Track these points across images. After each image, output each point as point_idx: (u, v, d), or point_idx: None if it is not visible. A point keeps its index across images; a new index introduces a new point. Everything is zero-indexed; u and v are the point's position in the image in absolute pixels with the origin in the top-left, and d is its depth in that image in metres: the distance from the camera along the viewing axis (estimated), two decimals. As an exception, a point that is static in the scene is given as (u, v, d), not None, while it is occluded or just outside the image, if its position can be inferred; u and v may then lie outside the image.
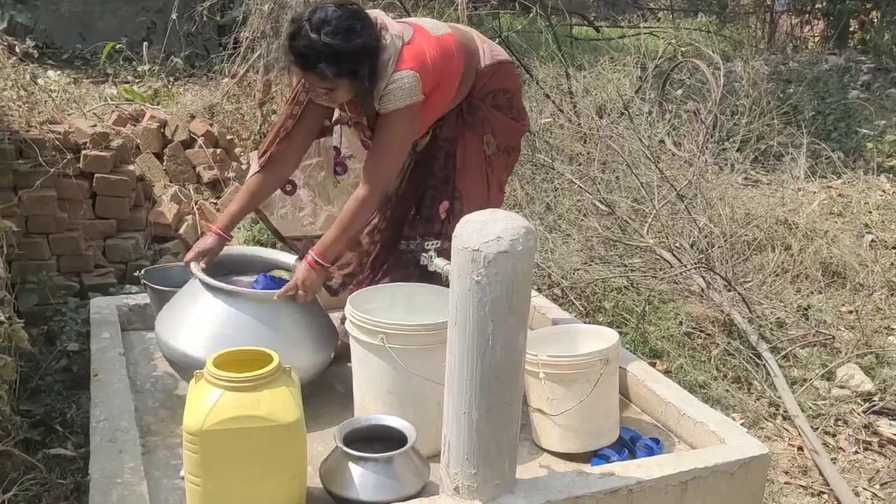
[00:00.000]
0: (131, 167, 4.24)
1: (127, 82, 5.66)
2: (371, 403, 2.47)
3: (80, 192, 3.95)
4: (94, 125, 4.19)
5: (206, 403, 1.96)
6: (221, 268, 2.79)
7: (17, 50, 4.92)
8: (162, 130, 4.70)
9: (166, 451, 2.44)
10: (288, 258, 2.90)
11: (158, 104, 5.20)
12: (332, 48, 2.34)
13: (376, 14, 2.53)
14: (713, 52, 6.48)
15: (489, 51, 2.68)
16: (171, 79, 5.93)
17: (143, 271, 3.15)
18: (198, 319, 2.56)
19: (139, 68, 5.88)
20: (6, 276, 2.41)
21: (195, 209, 4.53)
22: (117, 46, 6.04)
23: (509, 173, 2.88)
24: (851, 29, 10.69)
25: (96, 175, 4.01)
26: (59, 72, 5.57)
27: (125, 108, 4.79)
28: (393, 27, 2.49)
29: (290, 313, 2.59)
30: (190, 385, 2.06)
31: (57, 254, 3.89)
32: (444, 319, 2.09)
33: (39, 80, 4.81)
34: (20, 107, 4.10)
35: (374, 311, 2.49)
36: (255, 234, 4.25)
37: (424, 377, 2.32)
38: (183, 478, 2.26)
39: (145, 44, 6.17)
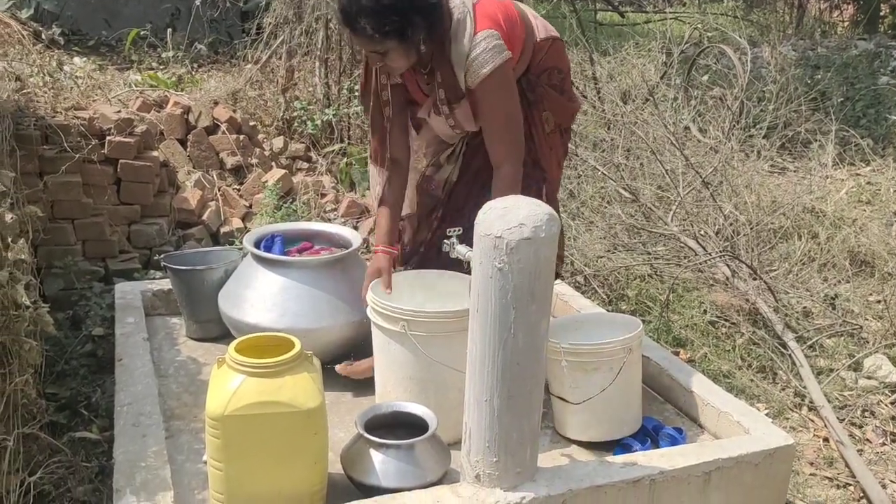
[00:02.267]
0: (155, 153, 4.26)
1: (151, 69, 5.68)
2: (392, 390, 2.47)
3: (105, 177, 3.98)
4: (119, 111, 4.21)
5: (228, 389, 1.97)
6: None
7: (44, 36, 4.96)
8: (185, 116, 4.72)
9: (189, 436, 2.46)
10: (348, 232, 3.04)
11: (182, 90, 5.23)
12: (374, 1, 2.18)
13: None
14: (740, 37, 6.39)
15: (543, 25, 2.57)
16: (195, 65, 5.95)
17: (163, 256, 3.18)
18: (258, 291, 2.78)
19: (163, 55, 5.90)
20: (32, 261, 2.43)
21: (218, 195, 4.54)
22: (142, 33, 6.07)
23: (566, 153, 2.78)
24: (882, 13, 10.50)
25: (121, 161, 4.03)
26: (84, 58, 5.60)
27: (149, 95, 4.81)
28: None
29: (335, 277, 2.70)
30: (212, 370, 2.07)
31: (82, 239, 3.92)
32: (466, 307, 2.09)
33: (65, 67, 4.83)
34: (46, 93, 4.13)
35: (395, 297, 2.49)
36: (277, 220, 4.26)
37: (445, 364, 2.32)
38: (206, 462, 2.28)
39: (169, 30, 6.19)
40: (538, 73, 2.53)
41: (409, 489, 2.06)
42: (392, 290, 2.49)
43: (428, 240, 2.76)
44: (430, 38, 2.28)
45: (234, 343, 2.08)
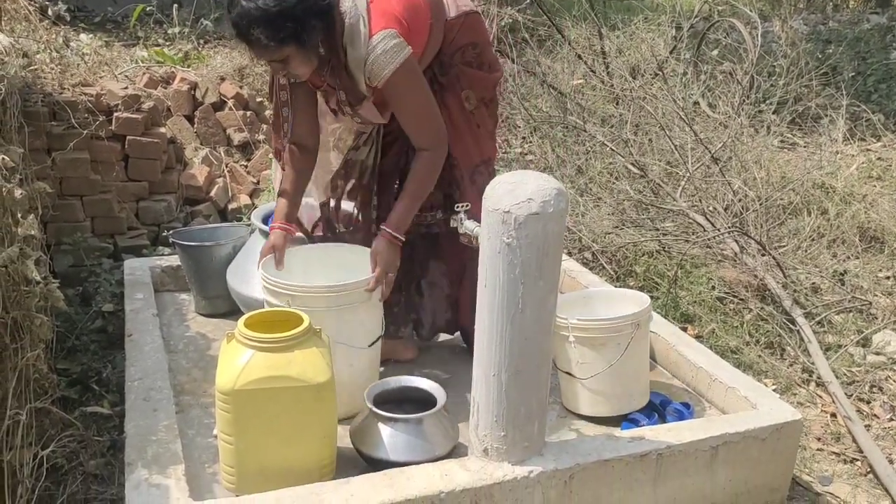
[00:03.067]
0: (162, 129, 4.26)
1: (157, 45, 5.66)
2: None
3: (113, 154, 3.98)
4: (126, 88, 4.20)
5: (237, 363, 1.98)
6: None
7: (50, 13, 4.93)
8: (192, 93, 4.71)
9: (199, 410, 2.48)
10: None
11: (189, 66, 5.21)
12: (261, 10, 2.10)
13: None
14: (750, 10, 6.32)
15: (453, 1, 2.50)
16: (202, 41, 5.91)
17: (171, 232, 3.19)
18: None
19: (169, 31, 5.87)
20: (42, 238, 2.44)
21: (226, 171, 4.54)
22: (147, 9, 6.04)
23: (496, 122, 2.72)
24: (895, -13, 10.34)
25: (128, 137, 4.03)
26: (90, 35, 5.57)
27: (156, 71, 4.80)
28: None
29: (342, 251, 2.67)
30: (221, 345, 2.09)
31: (91, 216, 3.93)
32: (357, 279, 2.28)
33: (72, 44, 4.82)
34: (53, 69, 4.13)
35: (288, 273, 2.48)
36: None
37: (333, 339, 2.28)
38: (216, 436, 2.29)
39: (175, 6, 6.15)
40: (451, 53, 2.50)
41: (418, 463, 2.07)
42: (284, 267, 2.51)
43: (353, 217, 2.74)
44: (328, 40, 2.25)
45: (242, 318, 2.09)
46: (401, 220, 2.41)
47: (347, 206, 2.74)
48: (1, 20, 3.78)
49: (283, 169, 2.67)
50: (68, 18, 5.28)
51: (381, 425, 2.17)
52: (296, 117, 2.55)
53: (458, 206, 2.26)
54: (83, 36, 5.36)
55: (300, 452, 2.05)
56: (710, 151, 4.48)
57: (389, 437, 2.14)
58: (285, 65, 2.24)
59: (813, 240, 4.13)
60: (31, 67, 3.92)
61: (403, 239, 2.41)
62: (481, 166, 2.61)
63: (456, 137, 2.51)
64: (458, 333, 2.91)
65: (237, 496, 2.00)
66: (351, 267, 2.50)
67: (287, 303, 2.29)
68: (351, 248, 2.62)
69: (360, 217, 2.72)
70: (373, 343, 2.44)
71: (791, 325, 3.43)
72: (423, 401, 2.28)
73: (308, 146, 2.61)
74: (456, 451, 2.21)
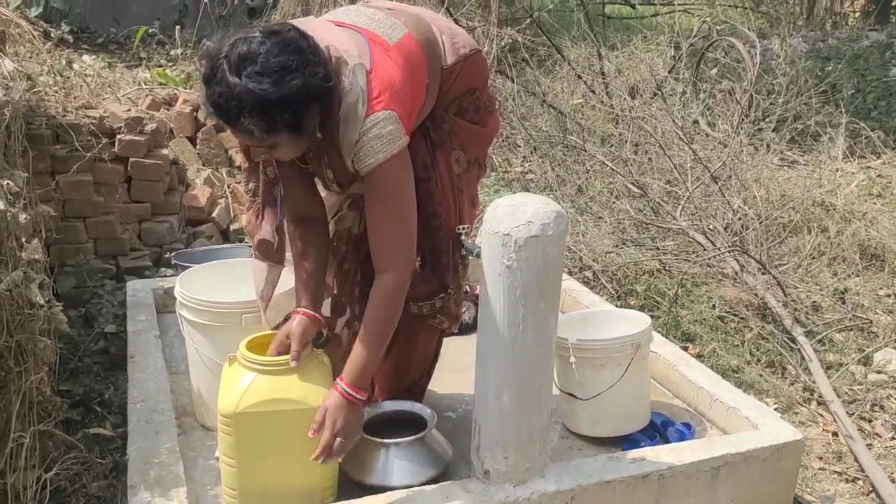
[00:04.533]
0: (165, 151, 4.28)
1: (160, 66, 5.71)
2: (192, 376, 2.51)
3: (116, 176, 4.00)
4: (129, 109, 4.23)
5: (239, 386, 1.99)
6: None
7: (53, 35, 4.98)
8: (195, 114, 4.74)
9: (201, 432, 2.48)
10: None
11: (191, 88, 5.24)
12: (257, 96, 1.71)
13: (323, 31, 1.91)
14: (749, 29, 6.36)
15: (450, 43, 2.11)
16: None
17: (174, 254, 3.20)
18: None
19: (172, 52, 5.93)
20: (45, 260, 2.45)
21: (228, 192, 4.57)
22: (150, 30, 6.09)
23: (479, 185, 2.40)
24: (894, 4, 10.42)
25: (131, 159, 4.06)
26: (93, 56, 5.63)
27: (158, 92, 4.83)
28: (348, 50, 1.87)
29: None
30: (224, 368, 2.09)
31: (94, 237, 3.95)
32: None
33: (75, 65, 4.86)
34: (56, 92, 4.16)
35: (207, 289, 2.43)
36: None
37: (207, 353, 2.33)
38: (218, 459, 2.30)
39: (178, 27, 6.21)
40: (447, 104, 2.15)
41: (411, 486, 2.07)
42: (300, 363, 2.02)
43: (351, 293, 2.34)
44: (325, 121, 1.88)
45: (244, 341, 2.10)
46: (358, 371, 1.94)
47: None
48: (5, 44, 3.82)
49: (262, 259, 2.22)
50: (71, 40, 5.33)
51: (371, 451, 2.16)
52: (290, 192, 2.11)
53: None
54: (86, 57, 5.42)
55: (302, 475, 2.05)
56: (709, 170, 4.50)
57: (387, 462, 2.14)
58: (271, 149, 1.88)
59: (813, 258, 4.14)
60: (35, 90, 3.95)
61: (361, 396, 1.95)
62: (456, 239, 2.24)
63: (445, 205, 2.18)
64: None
65: None
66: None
67: (180, 317, 2.36)
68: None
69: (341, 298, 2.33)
70: None
71: (792, 344, 3.43)
72: (413, 423, 2.28)
73: (315, 217, 2.18)
74: (449, 471, 2.22)
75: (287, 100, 1.73)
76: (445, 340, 2.55)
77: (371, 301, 1.95)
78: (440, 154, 2.15)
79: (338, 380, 1.96)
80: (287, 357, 2.00)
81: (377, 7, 2.10)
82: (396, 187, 1.92)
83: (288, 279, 2.22)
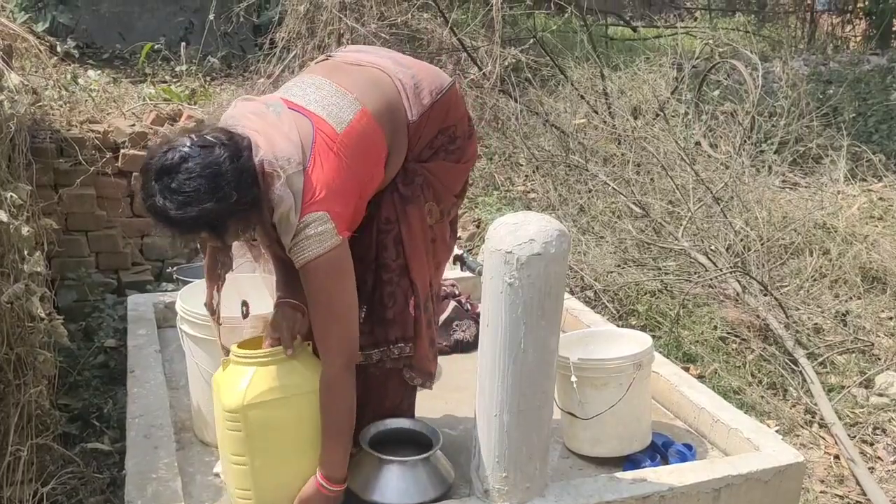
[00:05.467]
0: (168, 166, 4.29)
1: (165, 82, 5.74)
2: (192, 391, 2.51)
3: (119, 190, 4.02)
4: (133, 124, 4.25)
5: (241, 382, 1.99)
6: None
7: (59, 50, 5.01)
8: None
9: (200, 448, 2.47)
10: None
11: (195, 104, 5.27)
12: (162, 210, 1.82)
13: (270, 131, 1.91)
14: (751, 52, 6.39)
15: (415, 95, 2.09)
16: (208, 78, 6.00)
17: (175, 268, 3.20)
18: None
19: (177, 68, 5.96)
20: (46, 273, 2.45)
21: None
22: (155, 46, 6.13)
23: (455, 229, 2.38)
24: (895, 28, 10.48)
25: (134, 174, 4.06)
26: (98, 71, 5.66)
27: (163, 108, 4.85)
28: (290, 158, 1.87)
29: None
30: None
31: (95, 251, 3.96)
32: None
33: (80, 80, 4.89)
34: (61, 106, 4.18)
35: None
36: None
37: (207, 368, 2.33)
38: (217, 475, 2.29)
39: (183, 44, 6.25)
40: (419, 152, 2.13)
41: None
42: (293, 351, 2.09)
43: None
44: (254, 226, 1.96)
45: (235, 344, 2.11)
46: (329, 463, 2.01)
47: None
48: (11, 58, 3.84)
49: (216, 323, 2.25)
50: (77, 55, 5.37)
51: (377, 468, 2.15)
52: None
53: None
54: (91, 72, 5.44)
55: (314, 460, 2.03)
56: (711, 191, 4.50)
57: (386, 479, 2.13)
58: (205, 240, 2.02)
59: (815, 280, 4.14)
60: (40, 104, 3.97)
61: (336, 489, 2.03)
62: (430, 293, 2.25)
63: (414, 255, 2.16)
64: None
65: None
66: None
67: (181, 331, 2.37)
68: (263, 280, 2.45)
69: None
70: None
71: (793, 366, 3.42)
72: (416, 442, 2.27)
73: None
74: (452, 492, 2.20)
75: (187, 222, 1.82)
76: (446, 358, 2.55)
77: (320, 394, 2.01)
78: (412, 208, 2.14)
79: (317, 472, 2.02)
80: (281, 348, 2.03)
81: (340, 68, 2.11)
82: (326, 284, 1.94)
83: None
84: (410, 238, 2.14)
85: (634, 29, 9.65)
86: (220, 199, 1.81)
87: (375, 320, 2.17)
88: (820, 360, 3.51)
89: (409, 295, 2.16)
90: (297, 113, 1.96)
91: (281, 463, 2.02)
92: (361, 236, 2.12)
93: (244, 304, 2.28)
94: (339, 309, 1.96)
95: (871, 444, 3.05)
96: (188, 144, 1.83)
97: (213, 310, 2.21)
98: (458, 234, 2.39)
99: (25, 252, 2.23)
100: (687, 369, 3.27)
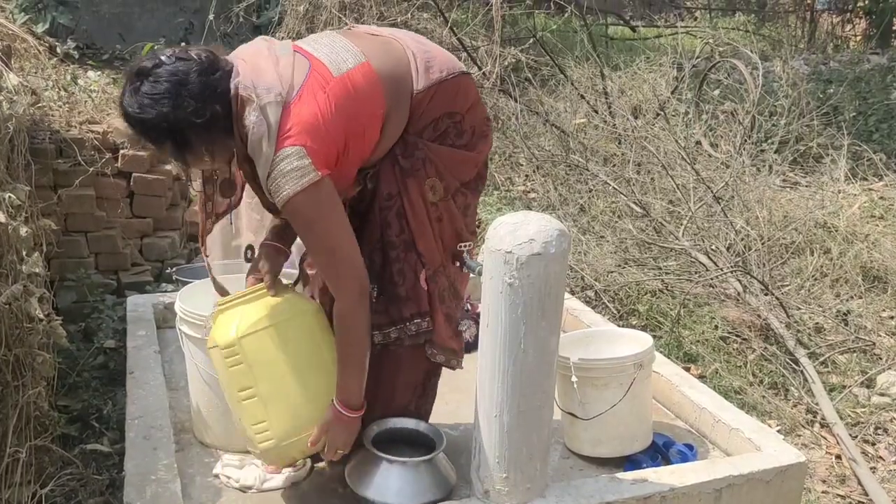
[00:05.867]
0: (168, 167, 4.29)
1: (165, 82, 5.72)
2: (192, 393, 2.51)
3: (118, 191, 4.01)
4: (132, 125, 4.24)
5: (231, 321, 2.07)
6: None
7: (59, 51, 5.01)
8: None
9: (200, 449, 2.46)
10: None
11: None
12: (126, 110, 1.91)
13: (260, 62, 1.94)
14: (751, 51, 6.39)
15: (425, 68, 2.07)
16: (208, 79, 5.98)
17: (175, 269, 3.19)
18: None
19: (177, 68, 5.94)
20: (45, 274, 2.45)
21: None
22: (155, 47, 6.12)
23: (473, 216, 2.30)
24: (895, 27, 10.48)
25: (134, 174, 4.06)
26: (98, 72, 5.65)
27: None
28: (270, 87, 1.89)
29: None
30: (207, 326, 2.18)
31: (95, 252, 3.94)
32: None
33: (80, 81, 4.88)
34: (61, 107, 4.17)
35: (207, 304, 2.38)
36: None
37: (207, 369, 2.33)
38: (216, 476, 2.28)
39: (183, 44, 6.24)
40: (420, 129, 2.09)
41: (419, 504, 2.06)
42: (274, 291, 2.16)
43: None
44: (226, 152, 1.99)
45: (216, 303, 2.17)
46: (345, 391, 2.05)
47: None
48: (11, 59, 3.84)
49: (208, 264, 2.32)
50: (77, 56, 5.37)
51: (380, 468, 2.15)
52: None
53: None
54: (91, 73, 5.43)
55: (321, 380, 2.06)
56: (712, 191, 4.50)
57: (389, 479, 2.12)
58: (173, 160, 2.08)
59: (816, 279, 4.13)
60: (39, 105, 3.97)
61: (354, 414, 2.06)
62: (441, 267, 2.20)
63: (419, 231, 2.14)
64: None
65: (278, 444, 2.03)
66: None
67: (180, 332, 2.40)
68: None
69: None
70: None
71: (795, 366, 3.41)
72: (418, 442, 2.26)
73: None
74: (454, 493, 2.20)
75: (145, 124, 1.88)
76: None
77: (333, 327, 2.05)
78: (412, 182, 2.10)
79: (334, 399, 2.05)
80: (262, 285, 2.11)
81: (357, 33, 2.13)
82: (312, 218, 1.93)
83: None
84: (413, 211, 2.12)
85: (634, 29, 9.65)
86: (178, 106, 1.85)
87: (389, 299, 2.16)
88: (821, 359, 3.50)
89: (418, 269, 2.15)
90: (300, 55, 1.99)
91: (285, 385, 2.05)
92: (365, 217, 2.14)
93: (249, 247, 2.33)
94: (332, 242, 1.96)
95: (873, 444, 3.04)
96: (168, 55, 1.89)
97: (203, 241, 2.27)
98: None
99: (24, 253, 2.23)
100: (688, 369, 3.27)
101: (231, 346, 2.03)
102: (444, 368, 2.34)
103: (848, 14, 10.92)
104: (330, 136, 1.91)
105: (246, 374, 2.04)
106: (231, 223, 2.66)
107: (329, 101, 1.91)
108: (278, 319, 2.06)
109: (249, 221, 2.68)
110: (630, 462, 2.45)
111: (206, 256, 2.30)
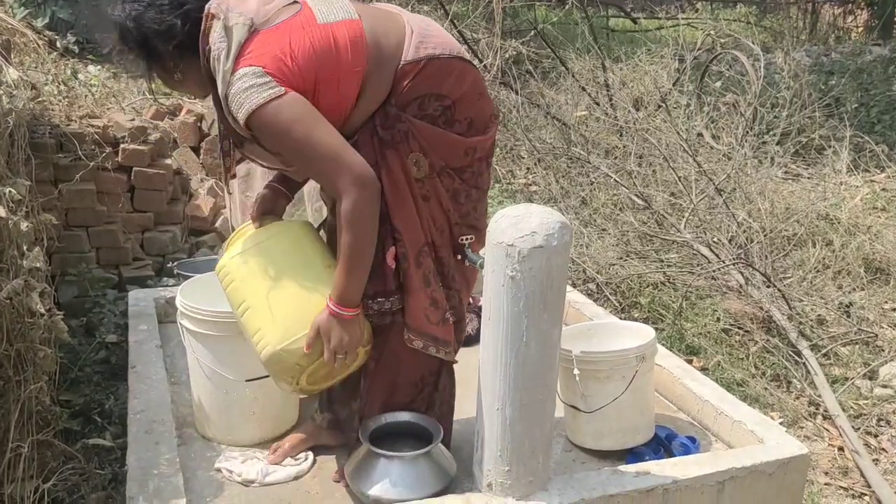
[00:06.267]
0: (168, 161, 4.28)
1: (165, 77, 5.71)
2: (193, 386, 2.51)
3: (119, 185, 4.00)
4: (133, 119, 4.24)
5: (225, 253, 2.17)
6: None
7: (59, 45, 5.00)
8: (199, 124, 4.74)
9: (202, 443, 2.46)
10: None
11: (195, 98, 5.25)
12: (107, 17, 2.07)
13: None
14: (753, 43, 6.37)
15: (416, 42, 2.02)
16: (208, 73, 5.97)
17: (176, 263, 3.19)
18: None
19: (177, 63, 5.93)
20: (47, 269, 2.44)
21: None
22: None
23: (475, 200, 2.20)
24: (896, 19, 10.45)
25: (134, 169, 4.06)
26: (98, 66, 5.64)
27: (162, 103, 4.84)
28: (244, 12, 1.92)
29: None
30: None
31: (96, 246, 3.94)
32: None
33: (79, 75, 4.88)
34: (61, 101, 4.17)
35: (208, 299, 2.40)
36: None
37: (208, 363, 2.34)
38: (219, 470, 2.28)
39: (183, 38, 6.21)
40: (404, 104, 2.02)
41: (418, 499, 2.05)
42: (260, 224, 2.21)
43: None
44: (184, 68, 2.02)
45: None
46: (341, 288, 1.98)
47: None
48: (10, 53, 3.83)
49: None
50: (77, 51, 5.35)
51: (377, 463, 2.14)
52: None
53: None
54: (91, 68, 5.43)
55: (313, 284, 2.06)
56: (713, 183, 4.49)
57: (387, 474, 2.12)
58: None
59: (818, 271, 4.12)
60: (39, 100, 3.96)
61: (350, 312, 1.99)
62: (426, 248, 2.12)
63: (396, 206, 2.05)
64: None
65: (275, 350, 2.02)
66: None
67: (181, 326, 2.42)
68: None
69: None
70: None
71: (797, 358, 3.41)
72: (417, 435, 2.26)
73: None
74: (453, 486, 2.20)
75: (120, 29, 2.01)
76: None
77: (340, 226, 1.97)
78: (391, 153, 2.02)
79: (328, 302, 2.00)
80: (250, 223, 2.20)
81: (362, 3, 2.10)
82: (282, 129, 1.88)
83: None
84: (391, 184, 2.03)
85: (635, 20, 9.63)
86: (144, 14, 1.96)
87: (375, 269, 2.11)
88: (823, 351, 3.50)
89: (387, 245, 2.06)
90: (296, 3, 1.99)
91: (275, 293, 2.06)
92: None
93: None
94: (315, 140, 1.90)
95: (876, 436, 3.04)
96: None
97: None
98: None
99: (25, 247, 2.22)
100: (690, 361, 3.26)
101: (222, 267, 2.13)
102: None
103: (849, 5, 10.88)
104: (298, 71, 1.89)
105: (239, 290, 2.09)
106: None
107: (304, 39, 1.91)
108: (262, 238, 2.14)
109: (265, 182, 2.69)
110: (632, 455, 2.44)
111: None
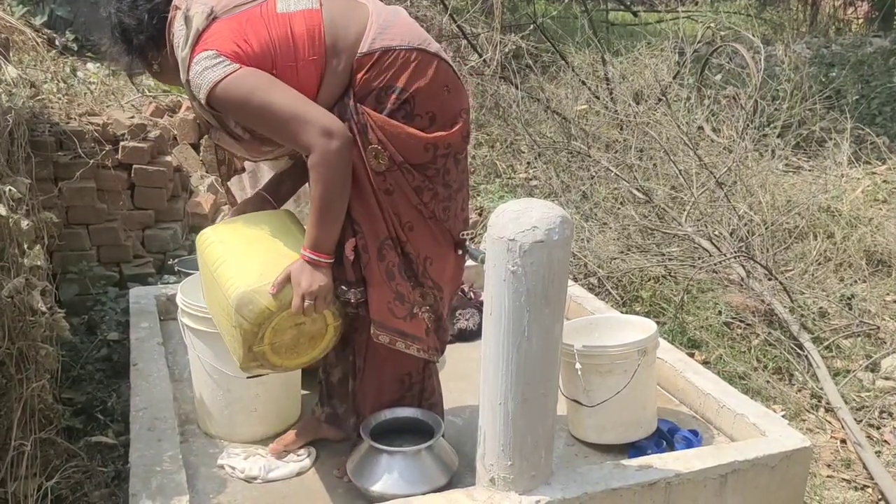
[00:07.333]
0: (168, 158, 4.28)
1: (164, 74, 5.69)
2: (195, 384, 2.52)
3: (119, 183, 4.00)
4: (132, 117, 4.23)
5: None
6: None
7: (58, 43, 4.99)
8: (198, 121, 4.74)
9: (204, 440, 2.47)
10: None
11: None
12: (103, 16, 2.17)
13: None
14: (753, 35, 6.35)
15: (375, 34, 2.02)
16: (208, 69, 5.95)
17: (177, 260, 3.19)
18: None
19: (176, 59, 5.92)
20: (48, 267, 2.44)
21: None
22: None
23: (444, 199, 2.15)
24: (897, 10, 10.42)
25: (134, 166, 4.05)
26: (97, 64, 5.63)
27: (162, 100, 4.83)
28: (206, 2, 2.00)
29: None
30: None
31: (97, 244, 3.94)
32: None
33: (79, 73, 4.87)
34: (60, 99, 4.16)
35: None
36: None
37: (209, 361, 2.35)
38: (221, 466, 2.29)
39: (182, 35, 6.20)
40: (362, 96, 2.01)
41: (421, 494, 2.05)
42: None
43: None
44: (161, 60, 2.11)
45: None
46: (313, 235, 2.00)
47: None
48: (9, 51, 3.82)
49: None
50: (75, 48, 5.34)
51: (379, 459, 2.15)
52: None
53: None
54: (90, 65, 5.42)
55: (289, 243, 2.09)
56: (714, 176, 4.48)
57: (389, 470, 2.12)
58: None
59: (819, 264, 4.12)
60: (39, 97, 3.95)
61: (322, 259, 2.00)
62: (389, 241, 2.10)
63: (356, 199, 2.04)
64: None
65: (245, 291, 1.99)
66: None
67: (181, 323, 2.45)
68: None
69: None
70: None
71: (799, 350, 3.41)
72: (419, 431, 2.26)
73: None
74: (455, 479, 2.20)
75: (110, 23, 2.12)
76: (449, 347, 2.52)
77: (311, 179, 1.99)
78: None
79: (302, 251, 2.03)
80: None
81: None
82: (242, 98, 1.94)
83: None
84: (352, 176, 2.02)
85: (635, 14, 9.61)
86: (120, 8, 2.09)
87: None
88: (825, 343, 3.49)
89: (346, 235, 2.05)
90: None
91: (252, 248, 2.09)
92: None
93: None
94: (277, 100, 1.93)
95: (878, 428, 3.04)
96: None
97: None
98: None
99: (25, 246, 2.22)
100: (692, 355, 3.26)
101: (201, 236, 2.19)
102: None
103: (850, -3, 10.86)
104: (253, 54, 1.95)
105: (217, 249, 2.11)
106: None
107: (261, 28, 1.97)
108: (231, 220, 2.23)
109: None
110: (635, 449, 2.45)
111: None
